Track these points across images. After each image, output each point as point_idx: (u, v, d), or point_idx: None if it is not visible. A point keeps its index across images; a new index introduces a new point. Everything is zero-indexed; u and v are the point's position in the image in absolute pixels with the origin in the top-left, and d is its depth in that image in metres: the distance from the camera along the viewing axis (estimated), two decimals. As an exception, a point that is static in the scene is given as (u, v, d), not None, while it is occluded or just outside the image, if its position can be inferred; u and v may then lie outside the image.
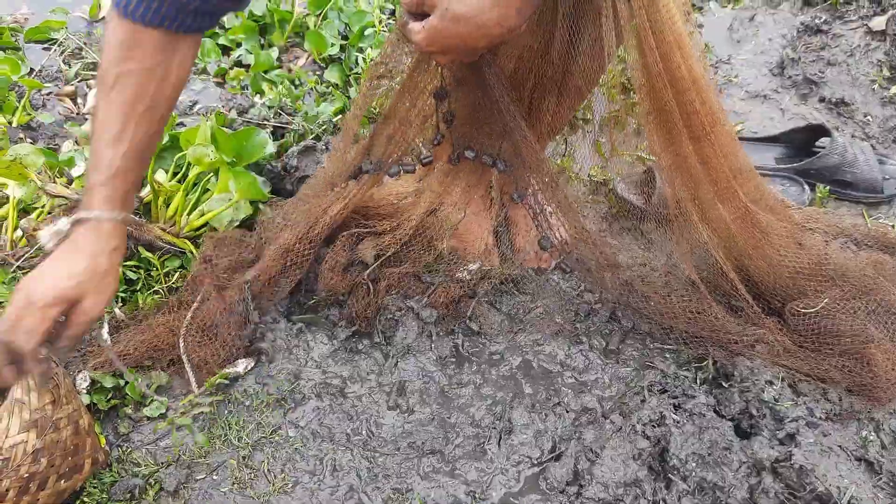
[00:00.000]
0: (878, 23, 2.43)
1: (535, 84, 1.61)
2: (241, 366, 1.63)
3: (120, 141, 1.20)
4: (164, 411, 1.58)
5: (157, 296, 1.73)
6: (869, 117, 2.19)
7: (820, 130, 2.02)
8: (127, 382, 1.58)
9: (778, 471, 1.42)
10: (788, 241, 1.65)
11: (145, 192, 1.81)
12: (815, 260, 1.66)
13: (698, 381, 1.58)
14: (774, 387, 1.50)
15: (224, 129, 1.87)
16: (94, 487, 1.45)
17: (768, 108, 2.26)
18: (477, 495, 1.45)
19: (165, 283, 1.74)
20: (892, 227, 1.93)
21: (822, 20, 2.49)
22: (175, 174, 1.91)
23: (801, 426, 1.46)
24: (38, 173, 1.77)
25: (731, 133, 1.56)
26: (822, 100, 2.26)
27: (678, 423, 1.49)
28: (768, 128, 2.17)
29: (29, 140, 2.08)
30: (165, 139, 1.91)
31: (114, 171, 1.21)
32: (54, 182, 1.76)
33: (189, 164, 1.88)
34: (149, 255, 1.73)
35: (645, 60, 1.41)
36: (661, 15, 1.36)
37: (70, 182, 1.85)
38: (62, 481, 1.37)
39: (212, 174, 1.89)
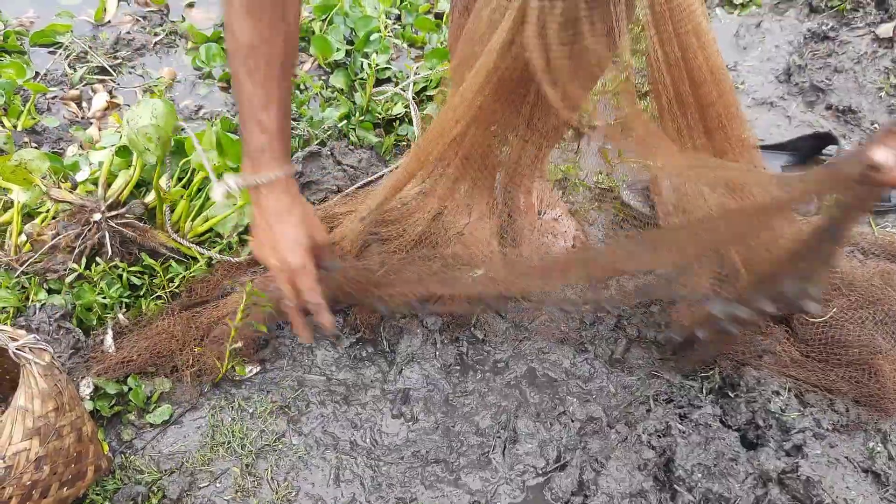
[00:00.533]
0: (886, 30, 2.42)
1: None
2: (248, 370, 1.63)
3: (270, 104, 1.28)
4: (167, 418, 1.57)
5: (160, 301, 1.72)
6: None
7: (827, 138, 2.01)
8: (130, 389, 1.58)
9: (785, 482, 1.41)
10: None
11: (150, 198, 1.80)
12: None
13: (704, 390, 1.57)
14: (781, 397, 1.50)
15: (229, 133, 1.86)
16: (97, 495, 1.45)
17: (775, 116, 2.25)
18: (481, 505, 1.44)
19: (168, 288, 1.73)
20: (899, 235, 1.92)
21: (828, 27, 2.48)
22: (180, 179, 1.90)
23: (808, 437, 1.45)
24: (43, 178, 1.76)
25: (747, 128, 1.56)
26: (828, 107, 2.25)
27: (684, 433, 1.48)
28: (775, 135, 2.16)
29: (34, 144, 2.07)
30: (171, 145, 1.90)
31: (273, 132, 1.30)
32: (58, 187, 1.75)
33: (193, 169, 1.87)
34: (152, 261, 1.73)
35: (663, 50, 1.42)
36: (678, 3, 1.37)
37: (74, 187, 1.84)
38: (65, 489, 1.37)
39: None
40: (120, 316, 1.68)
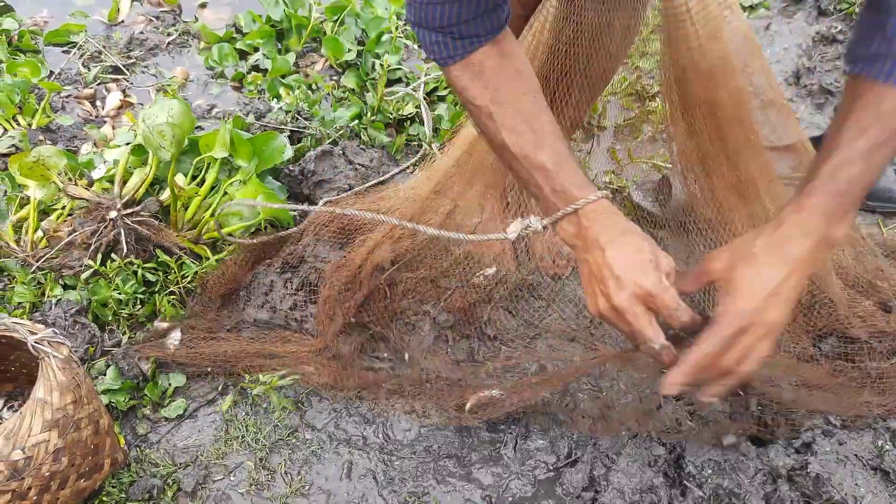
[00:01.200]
0: (894, 32, 2.43)
1: (560, 75, 1.62)
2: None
3: (541, 143, 1.17)
4: (181, 412, 1.59)
5: (172, 296, 1.74)
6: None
7: (836, 140, 2.02)
8: (146, 384, 1.60)
9: (794, 479, 1.42)
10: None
11: (165, 196, 1.82)
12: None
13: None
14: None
15: (242, 132, 1.88)
16: (113, 487, 1.46)
17: (784, 118, 2.26)
18: (493, 500, 1.45)
19: (182, 284, 1.75)
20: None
21: (837, 30, 2.49)
22: (194, 177, 1.92)
23: (818, 435, 1.46)
24: (60, 175, 1.78)
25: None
26: (837, 109, 2.25)
27: (694, 430, 1.50)
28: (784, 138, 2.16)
29: (48, 142, 2.10)
30: (185, 143, 1.92)
31: (564, 165, 1.17)
32: (75, 184, 1.77)
33: (207, 166, 1.89)
34: (166, 258, 1.75)
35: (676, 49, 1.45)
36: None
37: (90, 184, 1.86)
38: (82, 480, 1.39)
39: (235, 181, 1.89)
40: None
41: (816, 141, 2.06)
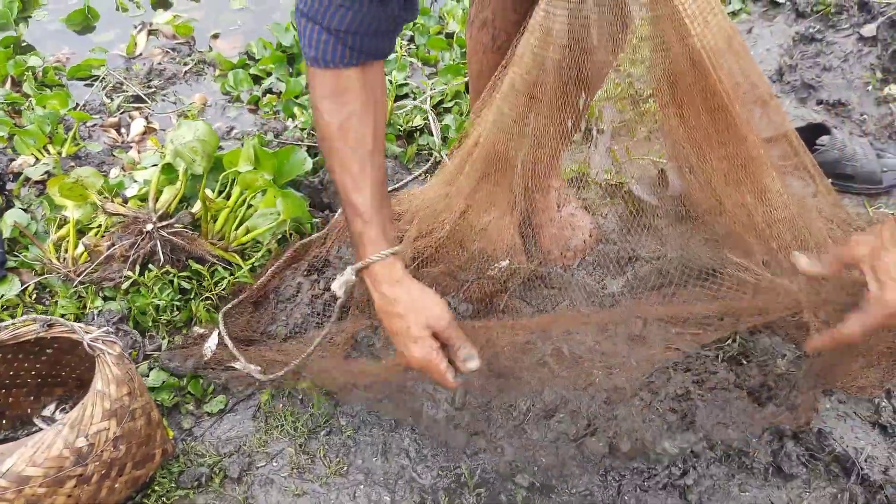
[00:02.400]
0: (869, 30, 2.58)
1: (549, 80, 1.73)
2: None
3: (362, 185, 1.30)
4: (223, 407, 1.70)
5: (208, 302, 1.86)
6: (865, 116, 2.33)
7: (820, 128, 2.16)
8: (189, 381, 1.71)
9: (798, 436, 1.53)
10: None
11: (196, 209, 1.94)
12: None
13: (719, 359, 1.69)
14: (787, 359, 1.61)
15: (264, 148, 2.01)
16: (164, 477, 1.57)
17: (770, 113, 2.40)
18: (519, 468, 1.56)
19: (215, 291, 1.86)
20: (893, 214, 2.05)
21: (815, 29, 2.63)
22: (220, 192, 2.04)
23: (818, 394, 1.56)
24: (99, 194, 1.91)
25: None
26: (819, 102, 2.39)
27: (703, 396, 1.60)
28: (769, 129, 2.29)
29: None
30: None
31: (370, 215, 1.31)
32: (112, 202, 1.90)
33: (232, 181, 2.01)
34: (199, 266, 1.86)
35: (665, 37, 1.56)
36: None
37: (125, 202, 1.99)
38: (137, 469, 1.49)
39: (258, 193, 2.02)
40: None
41: (801, 131, 2.20)
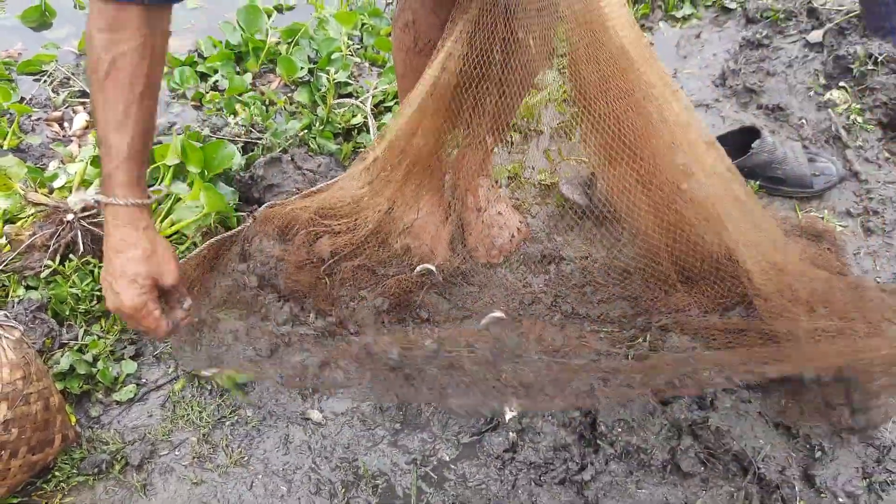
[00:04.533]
0: (816, 36, 2.59)
1: (475, 82, 1.74)
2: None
3: (124, 126, 1.26)
4: (132, 396, 1.70)
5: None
6: (804, 120, 2.33)
7: (753, 131, 2.16)
8: (99, 370, 1.71)
9: (696, 433, 1.52)
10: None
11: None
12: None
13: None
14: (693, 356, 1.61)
15: (194, 143, 2.02)
16: (65, 463, 1.57)
17: (710, 116, 2.40)
18: (418, 462, 1.55)
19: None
20: (822, 218, 2.05)
21: (763, 35, 2.64)
22: (150, 185, 2.05)
23: (719, 391, 1.56)
24: (23, 184, 1.91)
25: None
26: (759, 106, 2.40)
27: (606, 394, 1.60)
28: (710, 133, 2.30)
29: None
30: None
31: (123, 157, 1.27)
32: (36, 191, 1.91)
33: (162, 176, 2.02)
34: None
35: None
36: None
37: (51, 192, 1.99)
38: (32, 454, 1.49)
39: (185, 185, 2.03)
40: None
41: (734, 135, 2.21)
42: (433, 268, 1.92)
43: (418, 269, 1.91)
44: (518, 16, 1.66)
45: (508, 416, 1.60)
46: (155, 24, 1.26)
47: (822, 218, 2.05)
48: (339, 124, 2.35)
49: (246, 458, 1.58)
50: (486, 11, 1.63)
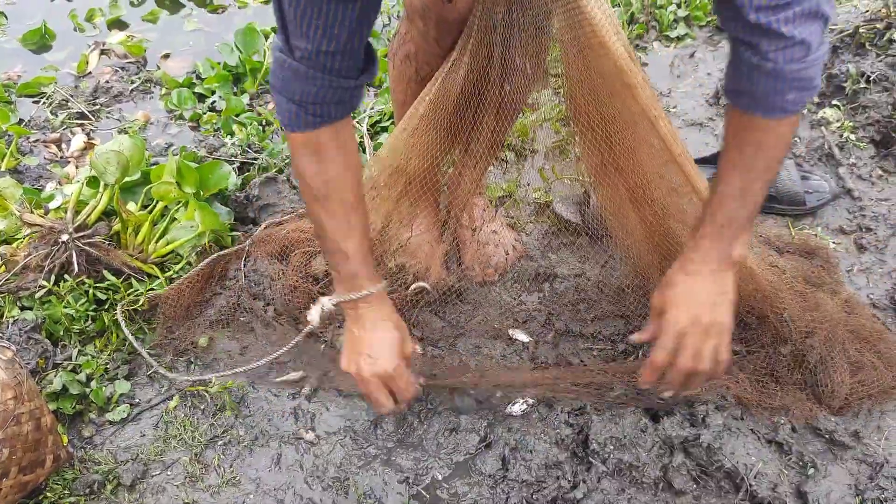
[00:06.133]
0: (809, 55, 2.60)
1: (475, 105, 1.76)
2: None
3: (352, 232, 1.42)
4: (125, 416, 1.70)
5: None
6: (797, 139, 2.34)
7: (745, 150, 2.16)
8: (92, 389, 1.71)
9: (688, 450, 1.52)
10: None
11: (115, 222, 1.96)
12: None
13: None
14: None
15: (190, 163, 2.03)
16: (57, 484, 1.57)
17: (703, 135, 2.42)
18: (411, 481, 1.55)
19: (127, 299, 1.87)
20: (815, 235, 2.06)
21: (756, 54, 2.66)
22: (146, 206, 2.06)
23: (711, 409, 1.56)
24: (19, 205, 1.93)
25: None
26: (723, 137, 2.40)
27: (598, 410, 1.60)
28: (703, 152, 2.31)
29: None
30: (137, 175, 2.08)
31: (361, 257, 1.44)
32: (31, 212, 1.92)
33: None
34: (113, 278, 1.87)
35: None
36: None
37: (46, 213, 2.01)
38: (24, 474, 1.49)
39: (181, 206, 2.04)
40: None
41: (700, 162, 2.22)
42: (427, 286, 1.93)
43: (413, 287, 1.92)
44: (514, 42, 1.68)
45: (518, 407, 1.66)
46: (345, 134, 1.39)
47: (816, 235, 2.06)
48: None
49: (238, 478, 1.58)
50: (485, 36, 1.65)
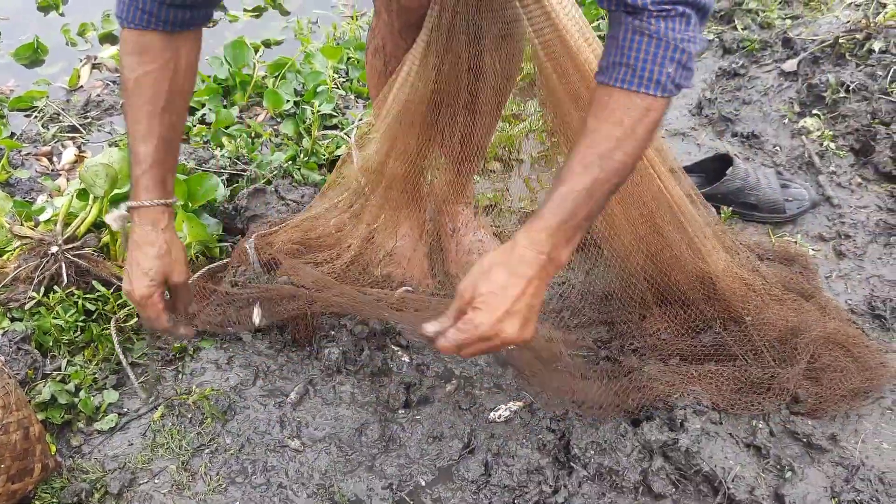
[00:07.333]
0: (791, 65, 2.65)
1: (443, 107, 1.78)
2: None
3: (149, 137, 1.41)
4: (113, 425, 1.72)
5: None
6: (778, 147, 2.37)
7: (726, 159, 2.20)
8: (80, 399, 1.73)
9: (667, 454, 1.55)
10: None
11: (104, 234, 1.99)
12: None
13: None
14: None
15: (179, 175, 2.06)
16: (45, 492, 1.58)
17: (686, 144, 2.45)
18: (394, 487, 1.57)
19: (118, 313, 1.89)
20: (795, 242, 2.09)
21: (739, 64, 2.70)
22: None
23: (689, 413, 1.58)
24: (9, 217, 1.95)
25: None
26: (734, 134, 2.45)
27: (580, 415, 1.63)
28: (686, 161, 2.34)
29: (6, 194, 2.27)
30: (126, 188, 2.10)
31: (149, 164, 1.43)
32: (21, 224, 1.94)
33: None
34: (103, 289, 1.90)
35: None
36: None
37: (37, 225, 2.03)
38: (12, 483, 1.50)
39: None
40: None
41: (709, 161, 2.26)
42: (412, 290, 1.96)
43: (399, 291, 1.94)
44: (483, 42, 1.71)
45: (503, 411, 1.69)
46: (178, 45, 1.41)
47: (796, 242, 2.09)
48: (324, 155, 2.40)
49: (224, 486, 1.60)
50: (450, 33, 1.67)
